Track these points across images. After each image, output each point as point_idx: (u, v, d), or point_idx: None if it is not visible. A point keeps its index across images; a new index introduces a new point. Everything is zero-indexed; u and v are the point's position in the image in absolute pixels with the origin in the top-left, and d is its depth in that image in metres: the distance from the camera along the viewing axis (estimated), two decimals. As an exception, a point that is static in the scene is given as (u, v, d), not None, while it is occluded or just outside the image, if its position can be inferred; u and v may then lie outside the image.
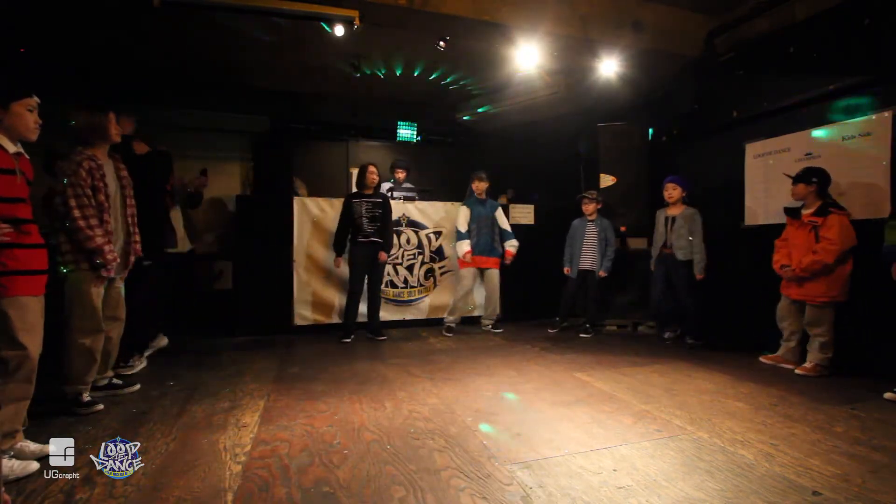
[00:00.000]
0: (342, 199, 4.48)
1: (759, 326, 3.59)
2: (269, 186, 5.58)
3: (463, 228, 4.66)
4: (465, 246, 4.63)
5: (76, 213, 2.29)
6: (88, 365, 2.42)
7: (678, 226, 3.99)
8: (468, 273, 4.62)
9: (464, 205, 4.73)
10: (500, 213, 4.78)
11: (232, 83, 5.50)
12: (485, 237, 4.63)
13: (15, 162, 1.89)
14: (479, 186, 4.69)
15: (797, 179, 3.25)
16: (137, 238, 2.71)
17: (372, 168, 4.36)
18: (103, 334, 2.49)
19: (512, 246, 4.76)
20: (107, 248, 2.36)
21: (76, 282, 2.36)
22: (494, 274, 4.73)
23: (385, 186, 5.43)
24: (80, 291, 2.36)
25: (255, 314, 4.49)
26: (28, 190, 1.97)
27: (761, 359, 3.49)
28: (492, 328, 4.75)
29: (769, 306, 3.48)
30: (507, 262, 4.75)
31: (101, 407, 2.43)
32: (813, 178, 3.18)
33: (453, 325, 4.63)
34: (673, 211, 4.08)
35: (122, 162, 2.65)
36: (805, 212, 3.25)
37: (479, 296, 5.00)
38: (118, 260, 2.47)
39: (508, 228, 4.79)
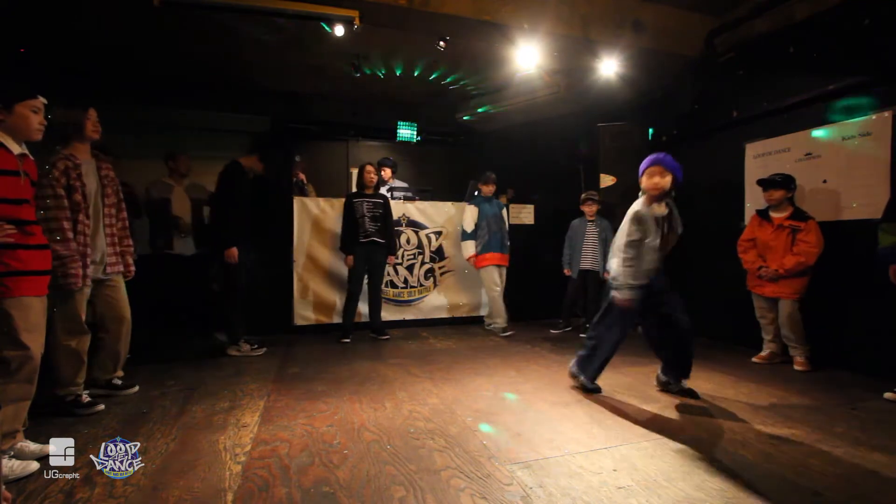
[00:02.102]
0: (342, 199, 4.48)
1: (759, 326, 3.59)
2: (269, 186, 5.57)
3: (469, 228, 4.63)
4: (470, 248, 4.61)
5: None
6: (76, 367, 2.40)
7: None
8: (491, 271, 4.61)
9: (471, 203, 4.71)
10: (504, 212, 4.84)
11: (232, 83, 5.49)
12: (497, 235, 4.63)
13: (19, 163, 1.89)
14: (489, 189, 4.69)
15: (778, 185, 3.39)
16: (129, 242, 2.69)
17: (370, 168, 4.37)
18: (88, 335, 2.45)
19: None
20: (67, 259, 2.26)
21: (57, 285, 2.28)
22: (504, 272, 4.73)
23: (382, 189, 5.43)
24: (61, 294, 2.30)
25: (255, 314, 4.49)
26: (32, 191, 1.97)
27: (754, 359, 3.52)
28: (501, 332, 4.61)
29: (769, 306, 3.48)
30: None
31: (101, 407, 2.44)
32: (792, 186, 3.39)
33: (504, 324, 4.63)
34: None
35: (105, 160, 2.58)
36: (778, 215, 3.43)
37: (483, 295, 4.98)
38: (85, 268, 2.35)
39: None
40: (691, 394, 2.72)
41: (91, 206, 2.44)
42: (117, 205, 2.62)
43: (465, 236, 4.66)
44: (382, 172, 5.49)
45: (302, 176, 5.24)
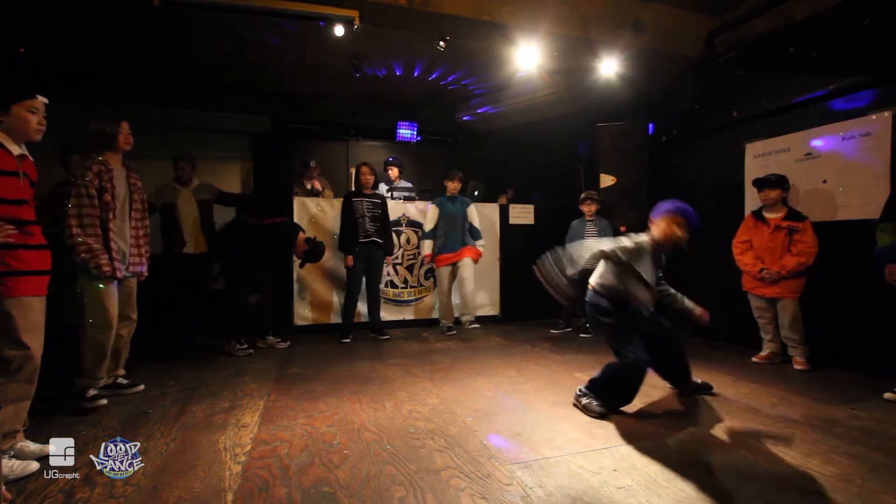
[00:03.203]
0: (341, 199, 4.48)
1: (758, 326, 3.59)
2: (270, 186, 5.58)
3: (427, 227, 4.66)
4: (426, 247, 4.63)
5: (73, 221, 2.37)
6: (99, 360, 2.49)
7: None
8: (445, 272, 4.61)
9: (433, 203, 4.72)
10: (471, 210, 4.68)
11: (232, 83, 5.50)
12: (454, 235, 4.56)
13: (18, 164, 1.89)
14: (453, 186, 4.64)
15: (774, 185, 3.40)
16: (147, 249, 2.80)
17: (365, 168, 4.36)
18: (114, 331, 2.54)
19: (480, 245, 4.65)
20: (98, 251, 2.41)
21: (87, 280, 2.42)
22: (466, 264, 4.54)
23: (383, 188, 5.44)
24: (91, 289, 2.43)
25: (255, 314, 4.49)
26: (32, 192, 1.98)
27: (754, 359, 3.53)
28: (469, 325, 4.58)
29: (769, 306, 3.47)
30: (475, 261, 4.63)
31: (104, 402, 2.48)
32: (786, 186, 3.40)
33: (451, 325, 4.62)
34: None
35: (134, 171, 2.73)
36: (773, 216, 3.44)
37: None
38: (115, 261, 2.49)
39: (477, 226, 4.69)
40: (706, 388, 2.75)
41: (119, 209, 2.57)
42: (142, 211, 2.76)
43: (423, 235, 4.72)
44: (389, 171, 5.51)
45: (317, 184, 5.23)
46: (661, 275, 2.55)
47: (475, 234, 4.67)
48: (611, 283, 2.44)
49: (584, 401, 2.44)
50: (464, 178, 4.75)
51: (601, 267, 2.50)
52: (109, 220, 2.49)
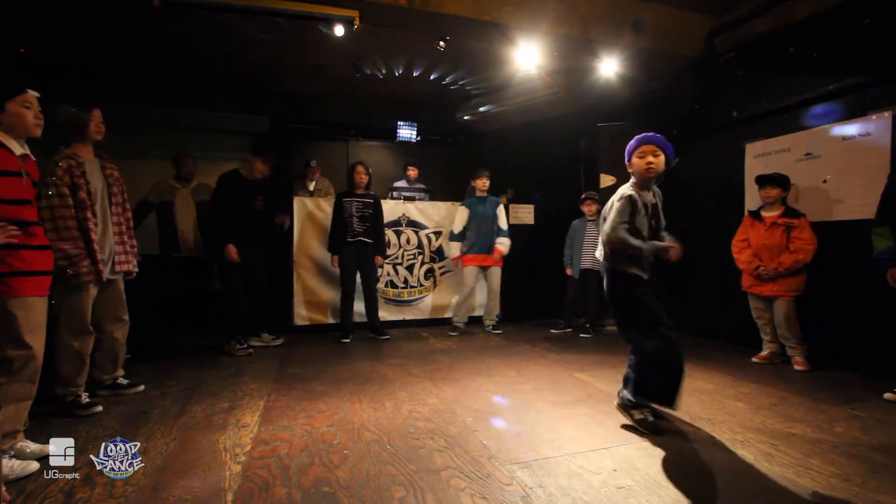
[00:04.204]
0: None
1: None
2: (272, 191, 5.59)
3: (456, 229, 4.66)
4: (454, 249, 4.67)
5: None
6: (78, 367, 2.40)
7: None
8: (470, 272, 4.60)
9: (463, 205, 4.71)
10: (500, 210, 4.71)
11: (232, 83, 5.50)
12: (484, 236, 4.59)
13: (21, 164, 1.88)
14: (484, 184, 4.65)
15: (775, 183, 3.40)
16: (133, 242, 2.71)
17: (360, 168, 4.34)
18: (92, 336, 2.46)
19: (501, 244, 4.61)
20: (77, 257, 2.30)
21: (63, 284, 2.31)
22: (496, 272, 4.66)
23: (397, 186, 5.47)
24: (67, 293, 2.33)
25: (253, 313, 4.49)
26: (34, 192, 1.97)
27: (754, 359, 3.53)
28: (492, 329, 4.72)
29: (769, 306, 3.46)
30: (496, 259, 4.60)
31: (99, 409, 2.43)
32: (787, 186, 3.41)
33: (460, 324, 4.63)
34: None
35: (109, 161, 2.59)
36: (771, 214, 3.44)
37: (482, 295, 4.98)
38: (96, 264, 2.37)
39: (504, 227, 4.69)
40: (655, 428, 2.17)
41: (97, 205, 2.44)
42: (122, 204, 2.63)
43: (451, 237, 4.73)
44: (410, 171, 5.59)
45: (310, 186, 5.23)
46: (656, 224, 2.27)
47: (500, 233, 4.66)
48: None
49: (638, 416, 2.17)
50: (491, 175, 4.75)
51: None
52: (88, 219, 2.32)
